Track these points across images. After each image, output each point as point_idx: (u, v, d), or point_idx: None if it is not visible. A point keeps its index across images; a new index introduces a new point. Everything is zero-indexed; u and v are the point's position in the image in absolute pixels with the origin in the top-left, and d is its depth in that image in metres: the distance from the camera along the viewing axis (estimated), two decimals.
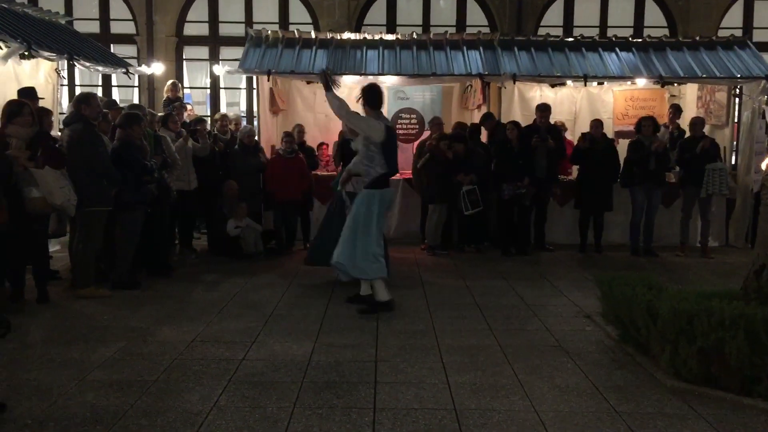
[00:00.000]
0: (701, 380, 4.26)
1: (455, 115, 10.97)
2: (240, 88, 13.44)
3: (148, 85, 12.62)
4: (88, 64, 8.89)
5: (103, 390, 4.18)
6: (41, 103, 7.21)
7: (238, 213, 8.49)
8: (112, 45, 12.44)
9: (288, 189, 8.66)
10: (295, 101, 10.97)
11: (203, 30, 13.20)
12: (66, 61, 8.48)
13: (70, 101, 9.20)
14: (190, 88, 13.32)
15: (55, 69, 8.91)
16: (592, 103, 11.08)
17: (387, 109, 8.75)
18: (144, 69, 10.95)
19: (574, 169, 9.60)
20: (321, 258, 6.82)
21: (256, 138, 9.18)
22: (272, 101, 10.15)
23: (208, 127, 9.31)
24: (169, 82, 10.55)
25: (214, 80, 13.11)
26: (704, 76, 9.79)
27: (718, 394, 4.16)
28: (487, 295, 6.72)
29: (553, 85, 10.77)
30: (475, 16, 13.20)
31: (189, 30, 13.20)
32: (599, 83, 10.87)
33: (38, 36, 8.07)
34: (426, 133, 10.15)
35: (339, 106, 6.08)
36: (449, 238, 9.14)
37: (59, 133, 7.08)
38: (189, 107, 10.67)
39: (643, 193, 8.92)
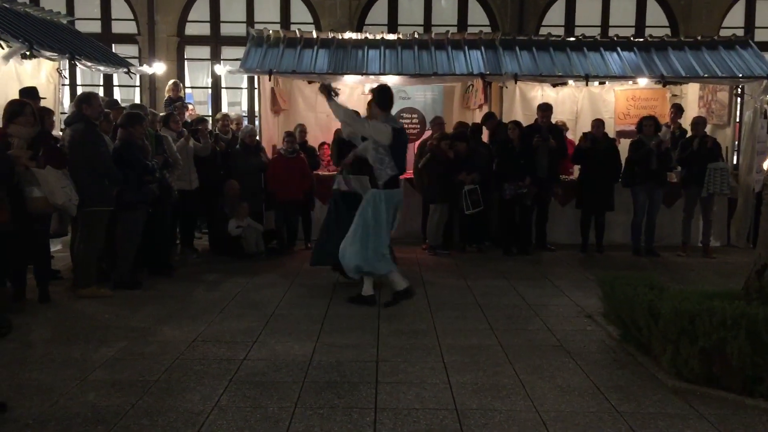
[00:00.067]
0: (703, 380, 4.26)
1: (457, 114, 10.97)
2: (241, 88, 13.44)
3: (150, 84, 12.63)
4: (89, 63, 8.90)
5: (105, 390, 4.18)
6: (43, 103, 7.22)
7: (240, 213, 8.49)
8: (113, 45, 12.43)
9: (289, 189, 8.66)
10: (296, 101, 10.97)
11: (205, 30, 13.21)
12: (67, 61, 8.48)
13: (71, 101, 9.20)
14: (192, 87, 13.33)
15: (57, 69, 8.91)
16: (594, 102, 11.07)
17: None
18: (145, 69, 10.96)
19: (576, 169, 9.59)
20: (324, 258, 6.94)
21: (258, 138, 9.18)
22: (274, 101, 10.15)
23: (210, 127, 9.31)
24: (171, 81, 10.56)
25: (216, 80, 13.11)
26: (706, 75, 9.78)
27: (719, 394, 4.15)
28: (488, 295, 6.72)
29: (554, 85, 10.76)
30: (477, 16, 13.20)
31: (190, 30, 13.21)
32: (601, 83, 10.86)
33: (40, 36, 8.08)
34: (427, 133, 10.14)
35: (344, 114, 6.17)
36: (450, 237, 9.13)
37: (61, 133, 7.08)
38: (190, 107, 10.67)
39: (645, 192, 8.91)
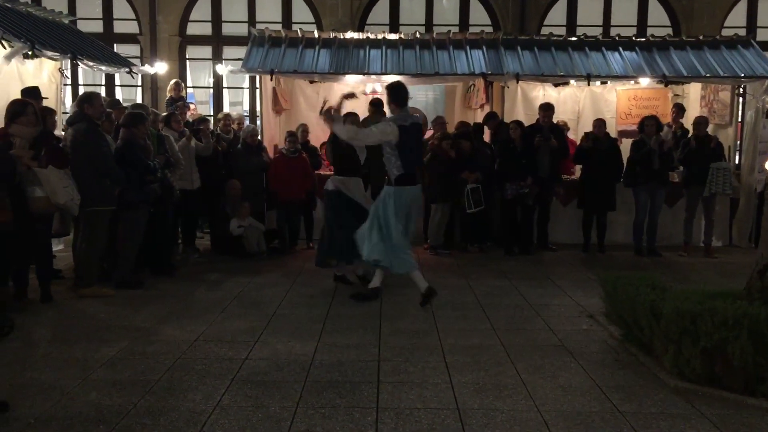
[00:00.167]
0: (705, 380, 4.25)
1: (458, 114, 10.96)
2: (243, 88, 13.45)
3: (151, 84, 12.64)
4: (91, 63, 8.90)
5: (106, 389, 4.19)
6: (45, 103, 7.22)
7: (241, 212, 8.50)
8: (115, 44, 12.45)
9: (291, 188, 8.66)
10: (298, 101, 10.97)
11: (206, 29, 13.22)
12: (69, 61, 8.48)
13: (73, 101, 9.23)
14: (193, 87, 13.34)
15: (59, 68, 8.91)
16: (595, 102, 11.06)
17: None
18: (147, 68, 10.96)
19: (577, 169, 9.58)
20: (329, 257, 7.04)
21: (259, 137, 9.19)
22: (275, 101, 10.15)
23: (211, 127, 9.31)
24: (172, 81, 10.56)
25: (217, 80, 13.13)
26: (708, 75, 9.77)
27: (721, 394, 4.15)
28: (490, 295, 6.71)
29: (556, 85, 10.76)
30: (478, 16, 13.20)
31: (192, 29, 13.23)
32: (602, 82, 10.86)
33: (42, 35, 8.08)
34: (429, 133, 10.13)
35: (351, 132, 6.27)
36: (452, 237, 9.13)
37: (63, 133, 7.09)
38: (192, 107, 10.68)
39: (647, 192, 8.90)
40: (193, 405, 3.97)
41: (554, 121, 9.47)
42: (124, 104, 8.70)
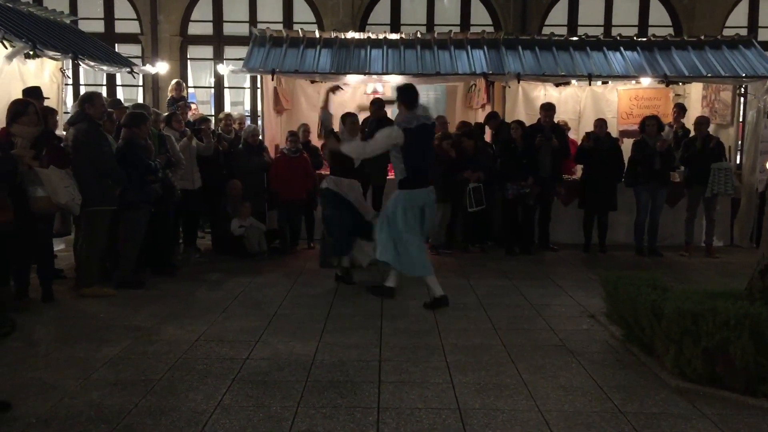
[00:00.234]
0: (706, 380, 4.25)
1: (459, 114, 10.97)
2: (244, 88, 13.46)
3: (153, 84, 12.64)
4: (92, 63, 8.90)
5: (108, 389, 4.19)
6: (46, 103, 7.22)
7: (242, 212, 8.49)
8: (116, 44, 12.47)
9: (292, 188, 8.66)
10: (299, 100, 10.98)
11: (207, 29, 13.23)
12: (71, 61, 8.49)
13: (74, 101, 9.24)
14: (195, 87, 13.35)
15: (60, 68, 8.92)
16: (597, 102, 11.06)
17: (392, 109, 8.76)
18: (148, 68, 10.97)
19: (579, 169, 9.58)
20: (332, 255, 7.14)
21: (260, 137, 9.19)
22: (276, 100, 10.16)
23: (212, 127, 9.31)
24: (174, 81, 10.56)
25: (219, 79, 13.13)
26: (709, 75, 9.77)
27: (722, 394, 4.15)
28: (491, 295, 6.71)
29: (557, 85, 10.76)
30: (480, 16, 13.20)
31: (193, 29, 13.23)
32: (603, 82, 10.86)
33: (43, 35, 8.08)
34: None
35: (359, 147, 6.33)
36: (453, 237, 9.13)
37: (64, 133, 7.09)
38: (193, 106, 10.68)
39: (648, 192, 8.89)
40: (194, 405, 3.97)
41: (555, 120, 9.47)
42: (126, 104, 8.71)
